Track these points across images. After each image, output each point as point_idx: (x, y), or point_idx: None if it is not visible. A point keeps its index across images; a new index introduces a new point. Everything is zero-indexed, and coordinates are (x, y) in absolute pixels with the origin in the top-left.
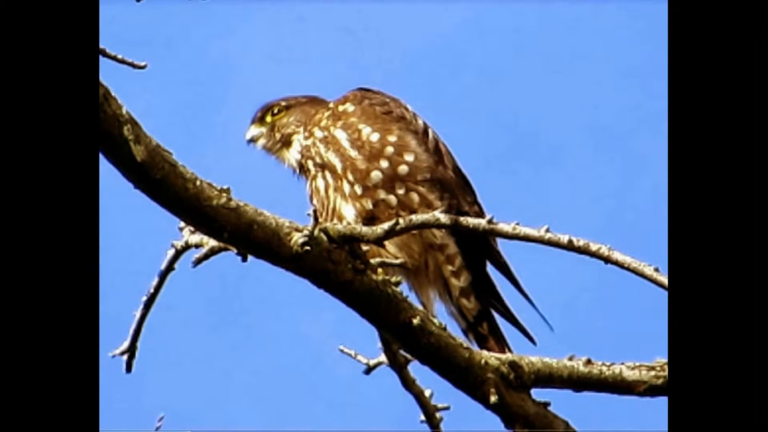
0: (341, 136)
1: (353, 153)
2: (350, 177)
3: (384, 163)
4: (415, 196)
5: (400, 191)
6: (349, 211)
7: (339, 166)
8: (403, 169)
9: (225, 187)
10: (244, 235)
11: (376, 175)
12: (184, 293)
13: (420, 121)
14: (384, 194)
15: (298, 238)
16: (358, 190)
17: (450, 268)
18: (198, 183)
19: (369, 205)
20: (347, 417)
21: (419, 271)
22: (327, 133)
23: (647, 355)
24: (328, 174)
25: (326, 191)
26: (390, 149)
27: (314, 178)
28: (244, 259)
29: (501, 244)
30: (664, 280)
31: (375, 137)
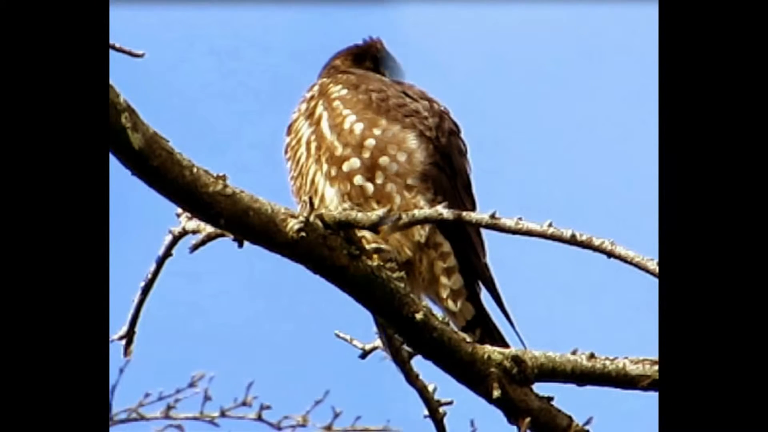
0: (324, 116)
1: (331, 136)
2: (326, 158)
3: (365, 154)
4: (383, 190)
5: (375, 183)
6: (328, 191)
7: (314, 145)
8: (392, 167)
9: (221, 174)
10: (240, 222)
11: (353, 162)
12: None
13: (434, 115)
14: (361, 181)
15: (293, 224)
16: (333, 171)
17: (442, 264)
18: (195, 170)
19: (346, 188)
20: (349, 412)
21: (412, 269)
22: (312, 108)
23: (651, 351)
24: (312, 146)
25: (306, 161)
26: (371, 141)
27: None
28: (241, 245)
29: (498, 244)
30: None
31: (358, 127)
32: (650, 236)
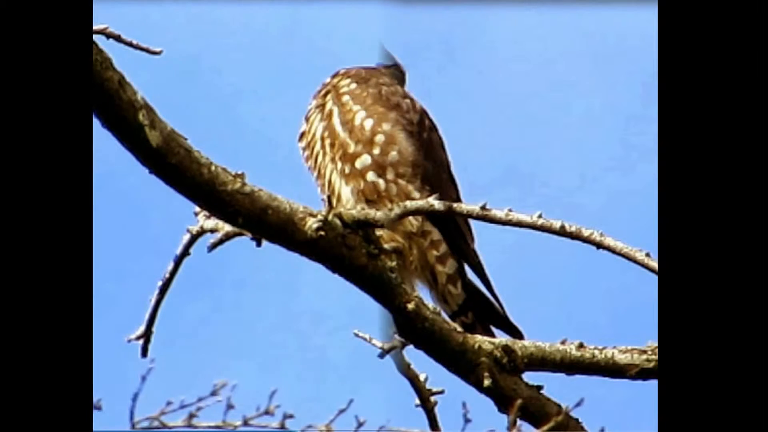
0: (335, 112)
1: (343, 134)
2: (339, 156)
3: (376, 150)
4: (393, 187)
5: (386, 179)
6: (344, 189)
7: (328, 142)
8: (393, 156)
9: (240, 172)
10: (259, 220)
11: (365, 159)
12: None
13: (416, 112)
14: (374, 177)
15: (312, 223)
16: (347, 169)
17: (435, 253)
18: (213, 168)
19: (360, 185)
20: (341, 401)
21: (403, 258)
22: (324, 103)
23: (639, 340)
24: (326, 143)
25: (323, 160)
26: (381, 137)
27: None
28: (259, 244)
29: (486, 236)
30: (655, 264)
31: (369, 123)
32: (649, 226)
